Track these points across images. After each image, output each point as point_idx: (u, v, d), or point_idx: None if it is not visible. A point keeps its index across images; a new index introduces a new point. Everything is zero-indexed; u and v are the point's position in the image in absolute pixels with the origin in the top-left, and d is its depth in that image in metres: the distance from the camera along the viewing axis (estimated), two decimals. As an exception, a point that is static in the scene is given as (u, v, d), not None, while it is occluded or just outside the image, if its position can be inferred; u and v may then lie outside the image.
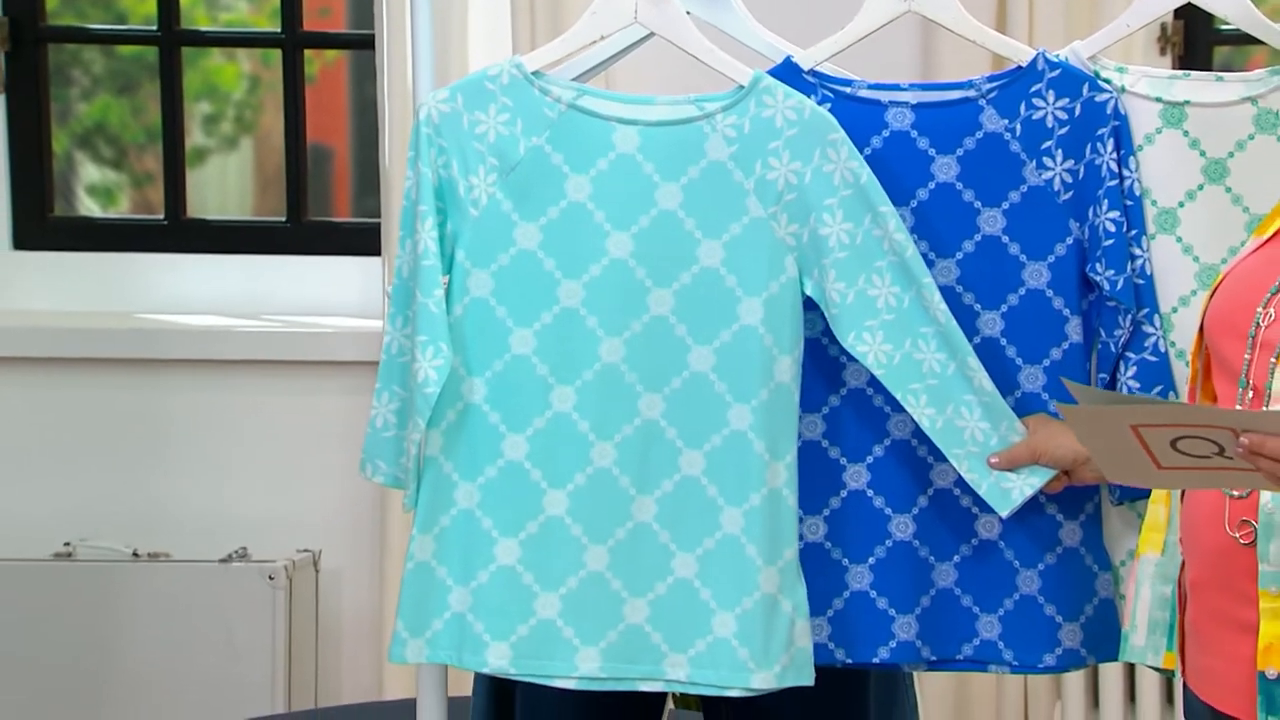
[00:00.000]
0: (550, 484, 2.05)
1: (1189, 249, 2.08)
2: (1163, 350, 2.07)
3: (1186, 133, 2.09)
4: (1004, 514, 2.02)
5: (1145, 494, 2.07)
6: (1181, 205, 2.08)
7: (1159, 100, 2.09)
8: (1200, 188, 2.09)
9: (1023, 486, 2.01)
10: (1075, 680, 3.40)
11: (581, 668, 2.05)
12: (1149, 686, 3.39)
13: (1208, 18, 3.46)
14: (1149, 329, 2.07)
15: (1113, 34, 2.12)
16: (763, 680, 2.01)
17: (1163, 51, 3.42)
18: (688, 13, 2.13)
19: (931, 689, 3.35)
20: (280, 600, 3.37)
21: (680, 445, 2.04)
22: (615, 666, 2.05)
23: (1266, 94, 2.07)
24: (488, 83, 2.05)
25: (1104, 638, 2.11)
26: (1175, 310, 2.09)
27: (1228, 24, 2.16)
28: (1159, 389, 2.07)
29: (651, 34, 2.10)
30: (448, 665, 2.11)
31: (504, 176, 2.05)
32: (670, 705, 2.33)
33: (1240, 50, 3.58)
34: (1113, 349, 2.08)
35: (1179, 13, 2.20)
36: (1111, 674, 3.40)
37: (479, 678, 2.29)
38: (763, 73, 2.03)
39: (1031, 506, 2.08)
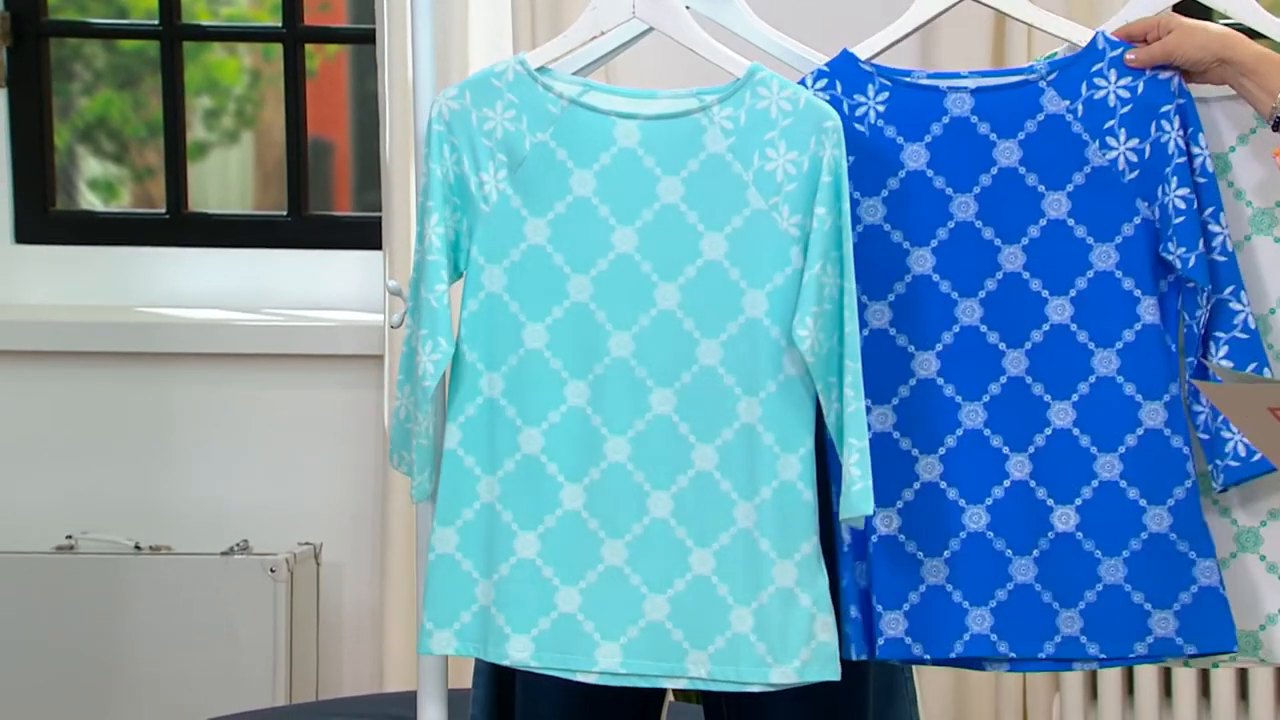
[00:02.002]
0: (567, 478, 2.06)
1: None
2: (1253, 327, 2.04)
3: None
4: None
5: (1252, 475, 2.04)
6: (1279, 204, 2.07)
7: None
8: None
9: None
10: (1073, 674, 3.40)
11: (602, 663, 2.06)
12: (1147, 680, 3.40)
13: (1207, 12, 3.46)
14: (1236, 305, 2.04)
15: (1114, 25, 2.12)
16: (781, 675, 2.01)
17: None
18: (687, 8, 2.14)
19: (930, 683, 3.36)
20: (281, 593, 3.38)
21: (693, 440, 2.04)
22: (637, 663, 2.06)
23: None
24: (494, 80, 2.06)
25: (1207, 628, 2.06)
26: (1274, 311, 2.08)
27: (1227, 18, 2.16)
28: (1253, 366, 2.04)
29: (650, 29, 2.10)
30: (471, 657, 2.11)
31: (512, 172, 2.06)
32: (670, 699, 2.34)
33: (1239, 45, 3.58)
34: (1196, 330, 2.05)
35: (1179, 7, 2.21)
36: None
37: (479, 670, 2.29)
38: (759, 65, 2.04)
39: (1112, 495, 2.06)
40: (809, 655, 2.02)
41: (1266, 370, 2.03)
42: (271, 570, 3.38)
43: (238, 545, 3.43)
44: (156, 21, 3.68)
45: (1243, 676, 3.38)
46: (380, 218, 3.43)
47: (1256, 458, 2.02)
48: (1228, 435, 2.03)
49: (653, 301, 2.05)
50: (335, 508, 3.55)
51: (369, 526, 3.54)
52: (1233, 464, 2.04)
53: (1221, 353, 2.04)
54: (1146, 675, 3.39)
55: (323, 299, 3.66)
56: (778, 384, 2.02)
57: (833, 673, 2.02)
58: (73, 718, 3.42)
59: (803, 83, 2.09)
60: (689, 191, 2.03)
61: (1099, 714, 3.42)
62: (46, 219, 3.72)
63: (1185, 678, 3.37)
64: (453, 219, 2.07)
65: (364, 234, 3.59)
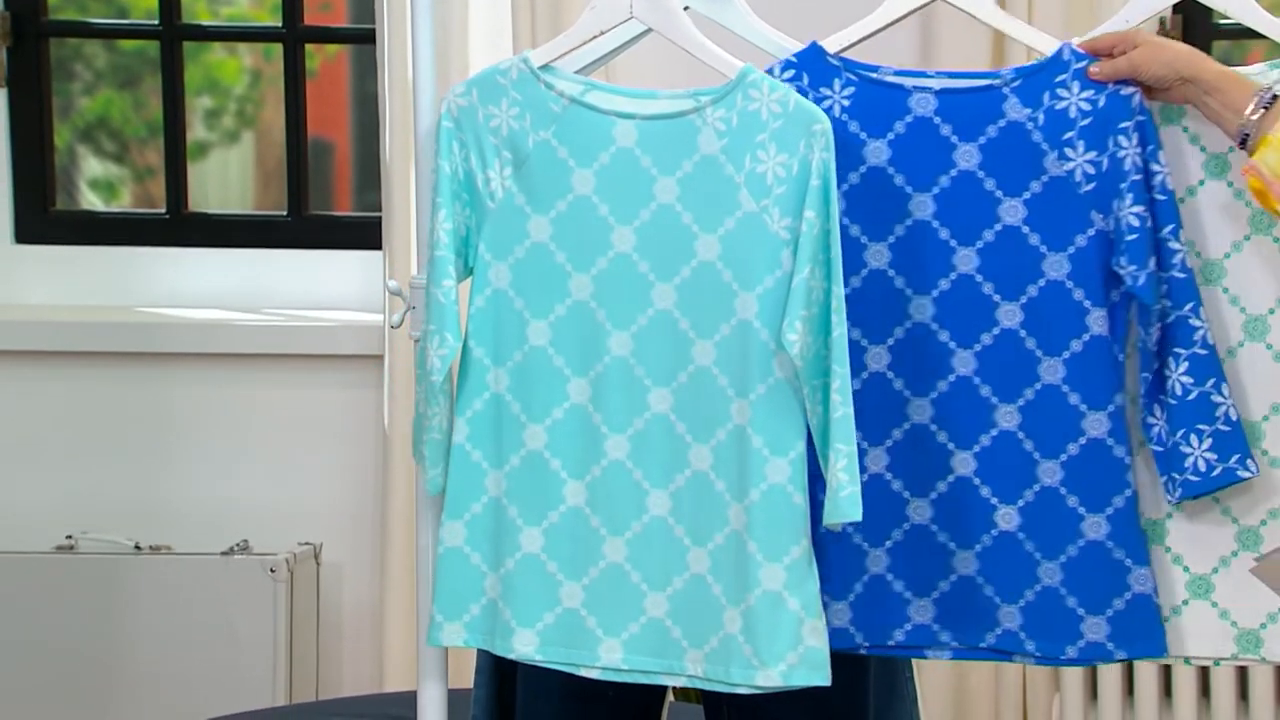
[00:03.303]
0: (570, 475, 2.07)
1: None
2: (1211, 343, 2.06)
3: (1186, 129, 2.09)
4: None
5: (1211, 489, 2.06)
6: (1182, 201, 2.09)
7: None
8: (1201, 183, 2.09)
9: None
10: (1073, 673, 3.40)
11: (604, 658, 2.07)
12: (1147, 679, 3.40)
13: (1206, 12, 3.46)
14: (1195, 322, 2.05)
15: (1110, 30, 2.12)
16: (766, 678, 2.01)
17: (1162, 43, 3.42)
18: (686, 8, 2.14)
19: (931, 682, 3.36)
20: (281, 593, 3.38)
21: (689, 439, 2.05)
22: (638, 660, 2.07)
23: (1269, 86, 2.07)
24: (499, 77, 2.07)
25: (1139, 634, 2.09)
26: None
27: (1227, 19, 2.16)
28: (1212, 381, 2.06)
29: (649, 29, 2.11)
30: (480, 648, 2.12)
31: (517, 170, 2.07)
32: (670, 698, 2.34)
33: (1239, 45, 3.59)
34: (1150, 347, 2.07)
35: (1178, 8, 2.21)
36: (1109, 666, 3.41)
37: (480, 669, 2.30)
38: (751, 66, 2.04)
39: (1052, 500, 2.09)
40: (796, 659, 2.02)
41: (1224, 386, 2.05)
42: (271, 570, 3.39)
43: (238, 545, 3.43)
44: (157, 21, 3.68)
45: (1243, 677, 3.38)
46: (380, 218, 3.43)
47: (1217, 472, 2.05)
48: (1187, 450, 2.06)
49: (650, 301, 2.05)
50: (335, 508, 3.56)
51: (369, 526, 3.54)
52: (1192, 478, 2.06)
53: (1181, 369, 2.06)
54: (1146, 675, 3.39)
55: (323, 299, 3.66)
56: (767, 386, 2.02)
57: (821, 678, 2.02)
58: (73, 718, 3.42)
59: (770, 71, 2.10)
60: (684, 192, 2.04)
61: (1099, 713, 3.42)
62: (47, 219, 3.73)
63: (1185, 678, 3.37)
64: (462, 215, 2.08)
65: (364, 234, 3.59)
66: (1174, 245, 2.05)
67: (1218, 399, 2.06)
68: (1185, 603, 2.10)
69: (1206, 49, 3.48)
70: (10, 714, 3.40)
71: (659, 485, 2.06)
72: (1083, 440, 2.09)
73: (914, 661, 2.28)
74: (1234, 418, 2.06)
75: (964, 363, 2.11)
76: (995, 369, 2.10)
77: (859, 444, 2.05)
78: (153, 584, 3.41)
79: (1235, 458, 2.06)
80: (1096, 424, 2.08)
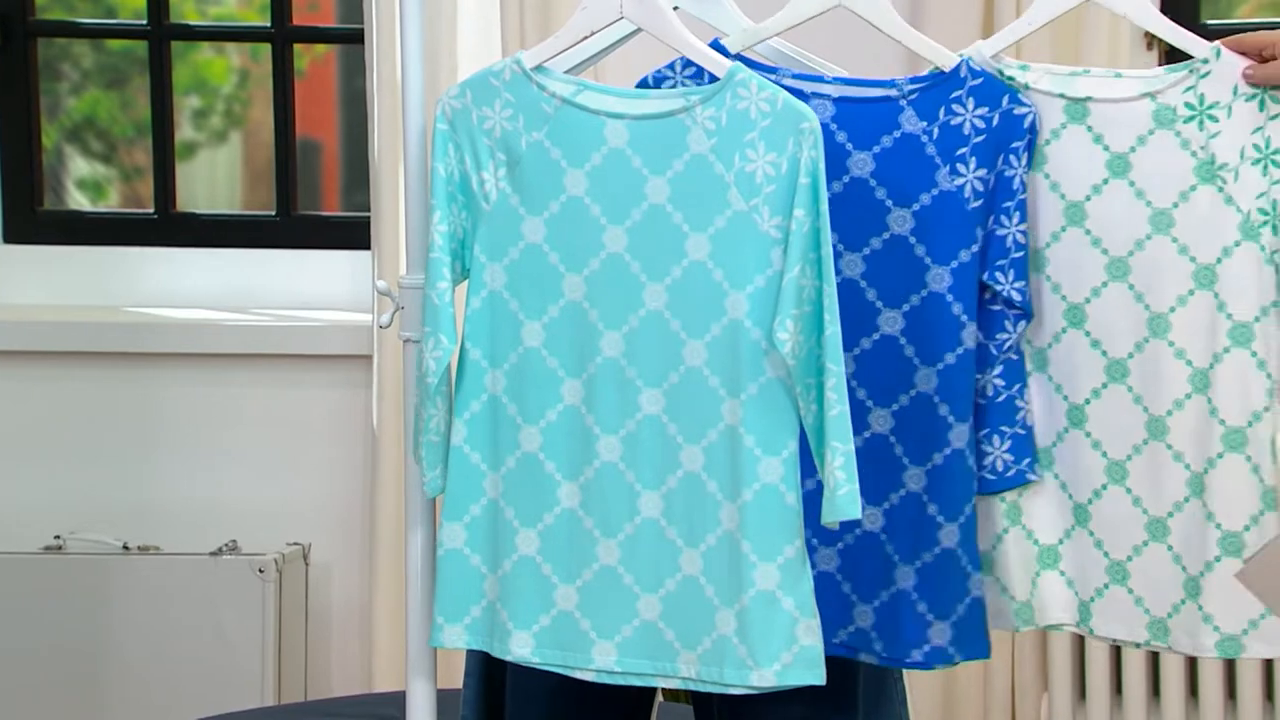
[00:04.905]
0: (564, 476, 2.07)
1: (1097, 241, 2.12)
2: (1022, 350, 2.12)
3: (1090, 128, 2.11)
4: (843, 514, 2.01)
5: (1004, 489, 2.13)
6: (1088, 198, 2.12)
7: (1062, 96, 2.11)
8: (1105, 181, 2.12)
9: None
10: (1062, 671, 3.41)
11: (598, 661, 2.07)
12: (1136, 677, 3.41)
13: (1194, 14, 3.48)
14: (1009, 328, 2.12)
15: (1015, 32, 2.14)
16: (760, 678, 2.02)
17: (1149, 47, 3.43)
18: (675, 8, 2.14)
19: (919, 682, 3.36)
20: (270, 593, 3.38)
21: (681, 441, 2.05)
22: (632, 662, 2.07)
23: (1164, 90, 2.09)
24: (492, 79, 2.07)
25: (973, 637, 2.12)
26: (1089, 300, 2.12)
27: (1215, 19, 2.17)
28: (1018, 386, 2.11)
29: (640, 29, 2.11)
30: (478, 650, 2.13)
31: (510, 171, 2.07)
32: (659, 699, 2.34)
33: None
34: (994, 352, 2.11)
35: (1164, 9, 2.22)
36: (1098, 664, 3.42)
37: (469, 670, 2.29)
38: (739, 65, 2.04)
39: (914, 506, 2.11)
40: (790, 659, 2.02)
41: (1027, 392, 2.11)
42: (260, 570, 3.38)
43: (226, 545, 3.43)
44: (144, 21, 3.68)
45: (1230, 675, 3.39)
46: (369, 218, 3.43)
47: (1010, 474, 2.12)
48: (988, 450, 2.12)
49: (641, 302, 2.05)
50: (324, 508, 3.56)
51: (358, 527, 3.54)
52: (989, 476, 2.12)
53: (995, 371, 2.11)
54: (1135, 674, 3.40)
55: (311, 299, 3.66)
56: (759, 386, 2.02)
57: (815, 677, 2.02)
58: (61, 718, 3.42)
59: (670, 66, 2.12)
60: (674, 192, 2.04)
61: (1087, 713, 3.43)
62: (34, 219, 3.72)
63: (1173, 677, 3.38)
64: (457, 218, 2.08)
65: (352, 234, 3.59)
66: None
67: (1020, 404, 2.12)
68: (1106, 586, 2.14)
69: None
70: (-2, 715, 3.40)
71: (651, 487, 2.06)
72: (947, 450, 2.10)
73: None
74: (1030, 423, 2.12)
75: (844, 365, 2.12)
76: (872, 375, 2.13)
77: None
78: (141, 584, 3.41)
79: (1026, 461, 2.12)
80: (960, 436, 2.10)
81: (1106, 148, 2.10)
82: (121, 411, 3.56)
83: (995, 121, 2.09)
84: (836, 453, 1.98)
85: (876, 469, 2.12)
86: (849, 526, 2.12)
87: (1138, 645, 2.15)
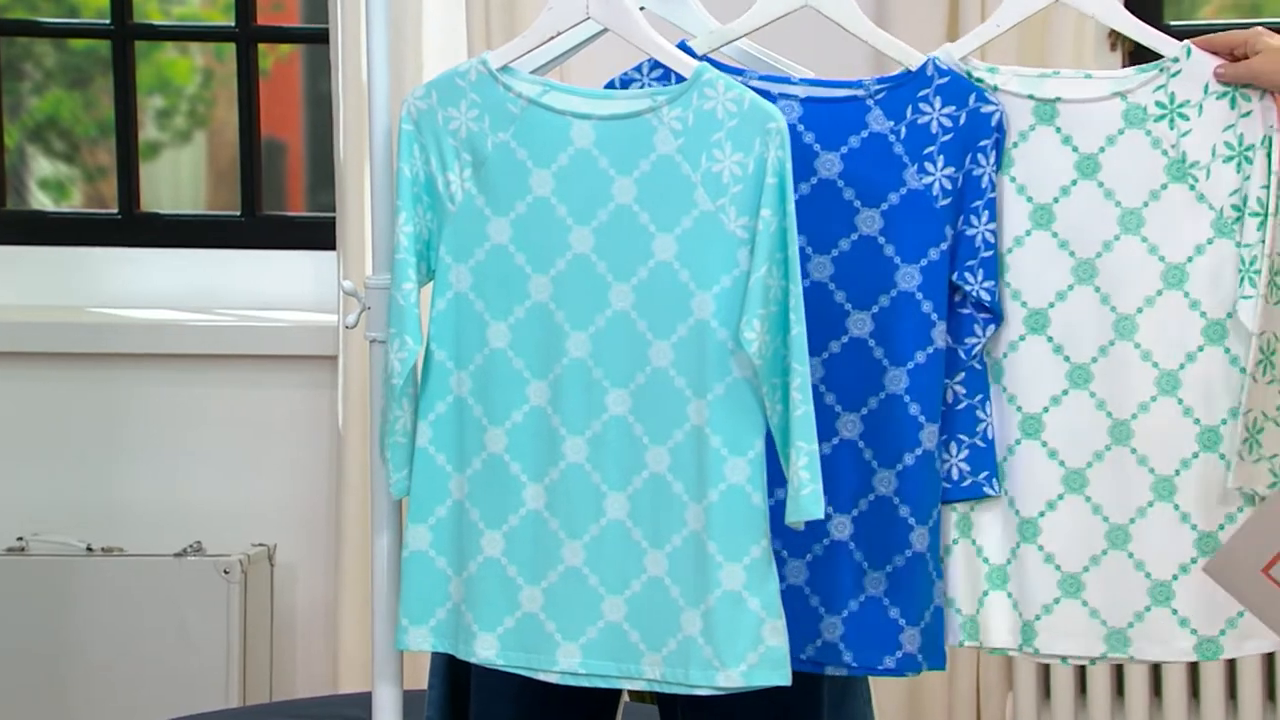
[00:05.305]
0: (529, 478, 2.06)
1: (1064, 244, 2.11)
2: (984, 360, 2.11)
3: (1059, 129, 2.12)
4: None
5: (961, 498, 2.12)
6: (1056, 200, 2.12)
7: (1031, 97, 2.11)
8: (1074, 183, 2.12)
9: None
10: (1027, 672, 3.42)
11: (563, 662, 2.06)
12: (1100, 679, 3.41)
13: (1158, 15, 3.49)
14: (975, 334, 2.11)
15: (982, 35, 2.14)
16: (727, 679, 2.02)
17: (1113, 48, 3.44)
18: (642, 8, 2.14)
19: (884, 682, 3.36)
20: (235, 594, 3.37)
21: (646, 441, 2.05)
22: (597, 664, 2.06)
23: (1134, 89, 2.10)
24: (458, 79, 2.06)
25: (935, 646, 2.12)
26: (1052, 305, 2.11)
27: (1179, 20, 2.18)
28: (980, 397, 2.11)
29: (605, 30, 2.11)
30: (448, 653, 2.12)
31: (476, 172, 2.06)
32: (625, 699, 2.34)
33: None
34: (962, 356, 2.11)
35: (1131, 8, 2.22)
36: (1062, 667, 3.42)
37: (435, 671, 2.29)
38: (707, 65, 2.04)
39: (885, 509, 2.10)
40: (756, 659, 2.02)
41: (988, 404, 2.10)
42: (225, 571, 3.38)
43: (191, 546, 3.42)
44: (108, 21, 3.67)
45: (1194, 678, 3.41)
46: (334, 218, 3.42)
47: (966, 484, 2.11)
48: (945, 457, 2.11)
49: (608, 302, 2.05)
50: (289, 509, 3.55)
51: (323, 528, 3.53)
52: (945, 485, 2.12)
53: (958, 378, 2.11)
54: (1099, 675, 3.41)
55: (276, 299, 3.65)
56: (725, 386, 2.02)
57: (781, 678, 2.02)
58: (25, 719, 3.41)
59: (638, 69, 2.11)
60: (641, 192, 2.04)
61: (1052, 714, 3.44)
62: (-3, 219, 3.71)
63: (1137, 677, 3.39)
64: (423, 218, 2.07)
65: (318, 234, 3.59)
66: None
67: (981, 415, 2.11)
68: (1056, 601, 2.12)
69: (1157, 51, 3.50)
70: (-39, 717, 3.39)
71: (617, 488, 2.05)
72: (918, 451, 2.10)
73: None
74: (990, 436, 2.10)
75: (812, 369, 2.11)
76: (841, 378, 2.12)
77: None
78: (105, 586, 3.40)
79: (984, 474, 2.11)
80: (930, 436, 2.10)
81: (1075, 149, 2.10)
82: (85, 412, 3.55)
83: (962, 120, 2.09)
84: (801, 453, 1.98)
85: (845, 476, 2.11)
86: (818, 536, 2.11)
87: (1092, 661, 2.13)
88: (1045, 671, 3.44)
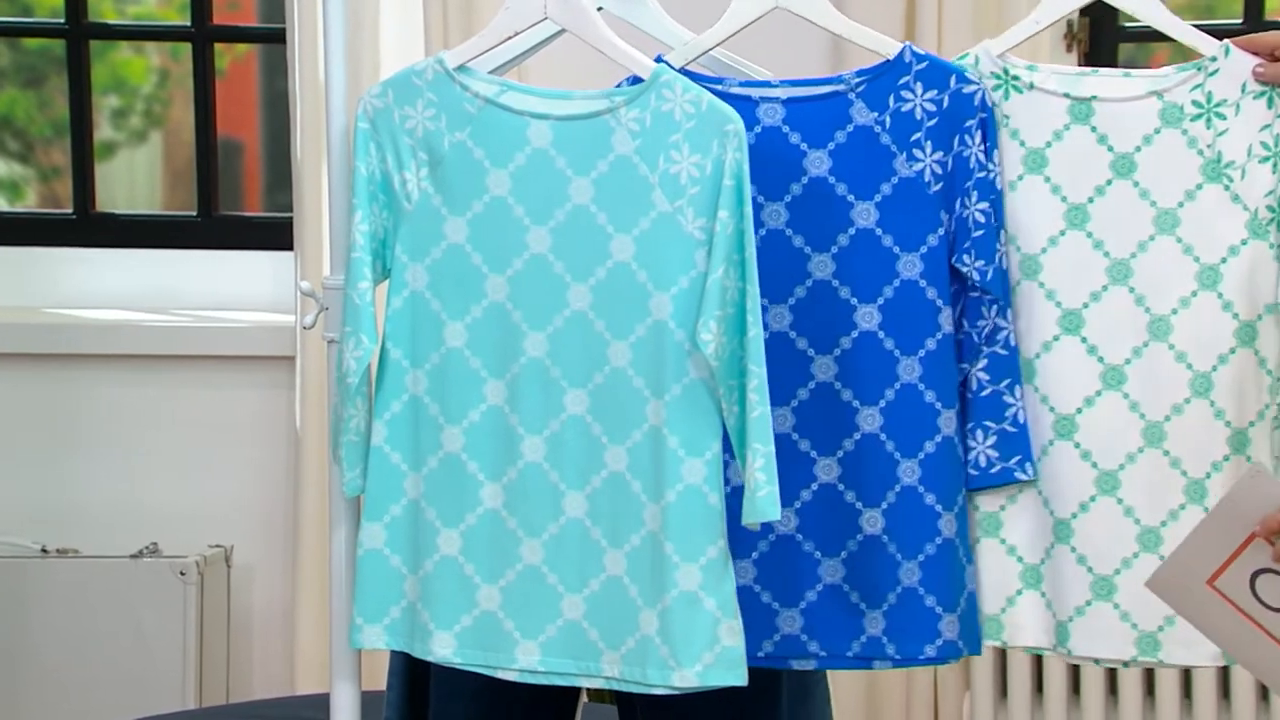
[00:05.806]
0: (487, 477, 2.06)
1: (1099, 244, 2.10)
2: (1013, 344, 2.10)
3: (1094, 128, 2.10)
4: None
5: (989, 485, 2.10)
6: (1091, 200, 2.10)
7: (1067, 96, 2.10)
8: (1109, 183, 2.11)
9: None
10: (983, 671, 3.43)
11: (521, 660, 2.06)
12: (1056, 677, 3.43)
13: (1114, 15, 3.50)
14: (1002, 323, 2.09)
15: (1022, 31, 2.13)
16: (682, 679, 2.02)
17: (1069, 49, 3.45)
18: (600, 9, 2.14)
19: (842, 681, 3.38)
20: (191, 596, 3.36)
21: (605, 441, 2.05)
22: (556, 662, 2.06)
23: (1171, 88, 2.09)
24: (415, 78, 2.06)
25: (972, 630, 2.11)
26: (1087, 306, 2.10)
27: (1134, 22, 2.18)
28: (1007, 382, 2.09)
29: (563, 30, 2.11)
30: (384, 650, 2.12)
31: (433, 171, 2.06)
32: (584, 699, 2.34)
33: (1144, 48, 3.63)
34: (975, 340, 2.10)
35: (1086, 10, 2.23)
36: (1020, 663, 3.44)
37: (393, 670, 2.29)
38: (665, 66, 2.04)
39: (912, 500, 2.10)
40: (712, 659, 2.02)
41: (1018, 389, 2.08)
42: (181, 573, 3.37)
43: (147, 548, 3.41)
44: (62, 20, 3.65)
45: (1149, 675, 3.42)
46: (291, 218, 3.42)
47: (995, 470, 2.09)
48: (972, 444, 2.10)
49: (565, 302, 2.05)
50: (246, 510, 3.54)
51: (280, 529, 3.53)
52: (972, 472, 2.10)
53: (981, 364, 2.10)
54: (1056, 672, 3.42)
55: (233, 300, 3.64)
56: (682, 387, 2.02)
57: (737, 678, 2.02)
58: (-21, 723, 3.39)
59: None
60: (599, 193, 2.04)
61: (1009, 712, 3.45)
62: (-49, 219, 3.69)
63: (1093, 676, 3.41)
64: (379, 217, 2.07)
65: (275, 234, 3.58)
66: (997, 245, 2.09)
67: (1009, 399, 2.10)
68: (1089, 603, 2.11)
69: (1113, 52, 3.52)
70: (-85, 720, 3.37)
71: (575, 487, 2.05)
72: (938, 438, 2.10)
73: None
74: (1022, 420, 2.09)
75: (824, 369, 2.11)
76: (855, 372, 2.11)
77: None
78: (60, 587, 3.38)
79: (1016, 459, 2.09)
80: (948, 422, 2.09)
81: (1111, 148, 2.09)
82: (40, 413, 3.53)
83: (945, 103, 2.08)
84: (757, 454, 1.98)
85: (870, 471, 2.10)
86: (850, 533, 2.11)
87: (1125, 664, 2.12)
88: (1002, 670, 3.45)
